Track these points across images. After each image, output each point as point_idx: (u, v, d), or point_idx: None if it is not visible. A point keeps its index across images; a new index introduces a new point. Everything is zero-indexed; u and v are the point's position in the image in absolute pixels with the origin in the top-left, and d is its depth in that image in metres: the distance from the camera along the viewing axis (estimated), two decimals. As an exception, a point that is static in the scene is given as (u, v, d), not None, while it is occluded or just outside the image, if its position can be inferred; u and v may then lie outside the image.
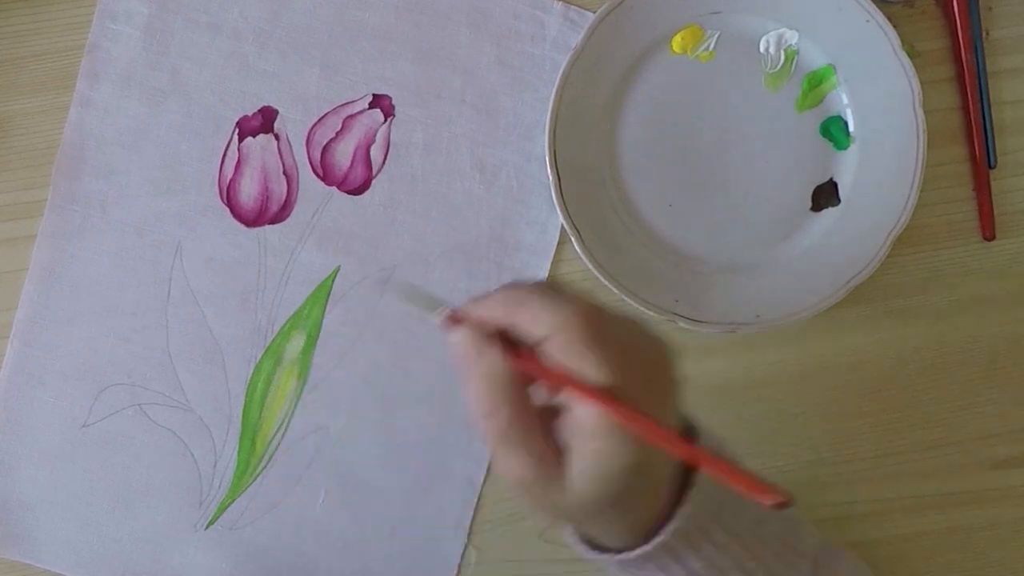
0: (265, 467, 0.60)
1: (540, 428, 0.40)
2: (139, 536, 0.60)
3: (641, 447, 0.39)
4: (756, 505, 0.41)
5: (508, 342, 0.41)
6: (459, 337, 0.42)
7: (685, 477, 0.44)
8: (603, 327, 0.40)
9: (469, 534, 0.60)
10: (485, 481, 0.60)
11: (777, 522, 0.47)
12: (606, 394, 0.39)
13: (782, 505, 0.38)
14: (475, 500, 0.60)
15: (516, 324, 0.40)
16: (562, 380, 0.39)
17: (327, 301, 0.60)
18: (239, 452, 0.60)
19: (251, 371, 0.60)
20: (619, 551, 0.44)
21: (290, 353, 0.60)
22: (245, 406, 0.60)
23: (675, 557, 0.43)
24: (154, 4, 0.60)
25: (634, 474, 0.40)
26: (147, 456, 0.60)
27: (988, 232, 0.61)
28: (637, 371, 0.40)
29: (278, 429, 0.60)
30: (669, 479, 0.43)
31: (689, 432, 0.46)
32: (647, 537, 0.43)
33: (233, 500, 0.60)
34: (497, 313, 0.41)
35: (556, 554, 0.61)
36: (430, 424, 0.60)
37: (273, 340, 0.60)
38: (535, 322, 0.40)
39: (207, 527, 0.60)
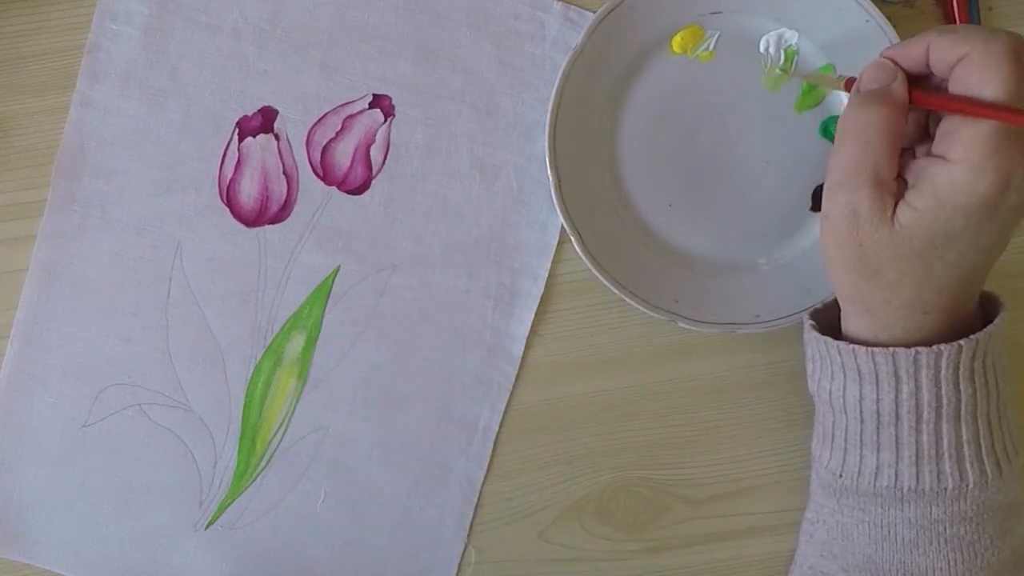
0: (265, 467, 0.60)
1: (893, 159, 0.44)
2: (139, 536, 0.60)
3: (998, 182, 0.43)
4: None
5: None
6: (873, 65, 0.47)
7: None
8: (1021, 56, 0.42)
9: (469, 534, 0.60)
10: (485, 481, 0.60)
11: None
12: (1002, 107, 0.41)
13: None
14: (475, 500, 0.60)
15: (936, 46, 0.44)
16: (959, 101, 0.43)
17: (327, 301, 0.60)
18: (239, 452, 0.60)
19: (251, 371, 0.60)
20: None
21: (290, 353, 0.60)
22: (245, 406, 0.60)
23: (952, 370, 0.47)
24: (154, 4, 0.60)
25: (960, 230, 0.43)
26: (147, 456, 0.60)
27: (988, 232, 0.61)
28: None
29: (278, 429, 0.60)
30: (949, 306, 0.46)
31: None
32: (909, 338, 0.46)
33: (233, 500, 0.60)
34: (915, 47, 0.45)
35: (556, 554, 0.61)
36: (430, 424, 0.60)
37: (273, 340, 0.60)
38: (958, 41, 0.43)
39: (207, 527, 0.60)
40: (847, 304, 0.50)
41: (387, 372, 0.60)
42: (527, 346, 0.60)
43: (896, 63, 0.47)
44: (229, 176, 0.60)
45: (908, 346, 0.47)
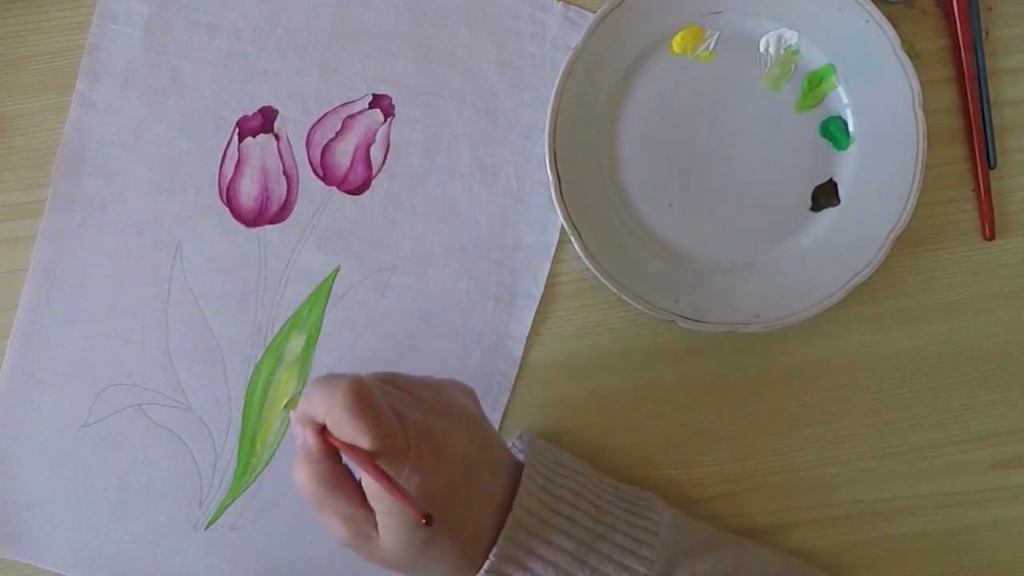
0: (265, 467, 0.60)
1: (351, 495, 0.46)
2: (139, 536, 0.60)
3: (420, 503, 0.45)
4: (593, 522, 0.50)
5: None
6: (292, 419, 0.49)
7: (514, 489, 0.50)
8: (367, 398, 0.45)
9: (469, 534, 0.60)
10: (485, 481, 0.60)
11: (619, 534, 0.51)
12: (367, 457, 0.44)
13: (425, 520, 0.43)
14: (475, 500, 0.60)
15: (309, 412, 0.46)
16: (344, 449, 0.45)
17: (327, 301, 0.60)
18: (239, 452, 0.60)
19: (251, 371, 0.60)
20: None
21: (290, 353, 0.60)
22: (245, 406, 0.60)
23: None
24: (154, 4, 0.60)
25: (427, 530, 0.45)
26: (147, 456, 0.60)
27: (988, 232, 0.61)
28: (414, 434, 0.45)
29: (278, 429, 0.60)
30: (488, 526, 0.48)
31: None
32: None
33: (233, 500, 0.60)
34: (303, 403, 0.47)
35: (556, 554, 0.61)
36: (430, 424, 0.60)
37: (273, 340, 0.60)
38: (315, 408, 0.46)
39: (207, 527, 0.60)
40: None
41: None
42: (527, 346, 0.60)
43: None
44: (229, 176, 0.60)
45: None
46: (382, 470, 0.44)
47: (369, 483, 0.45)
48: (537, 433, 0.60)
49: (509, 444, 0.56)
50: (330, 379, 0.47)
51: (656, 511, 0.53)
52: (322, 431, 0.46)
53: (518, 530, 0.49)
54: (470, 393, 0.51)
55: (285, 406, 0.54)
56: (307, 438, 0.47)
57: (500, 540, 0.48)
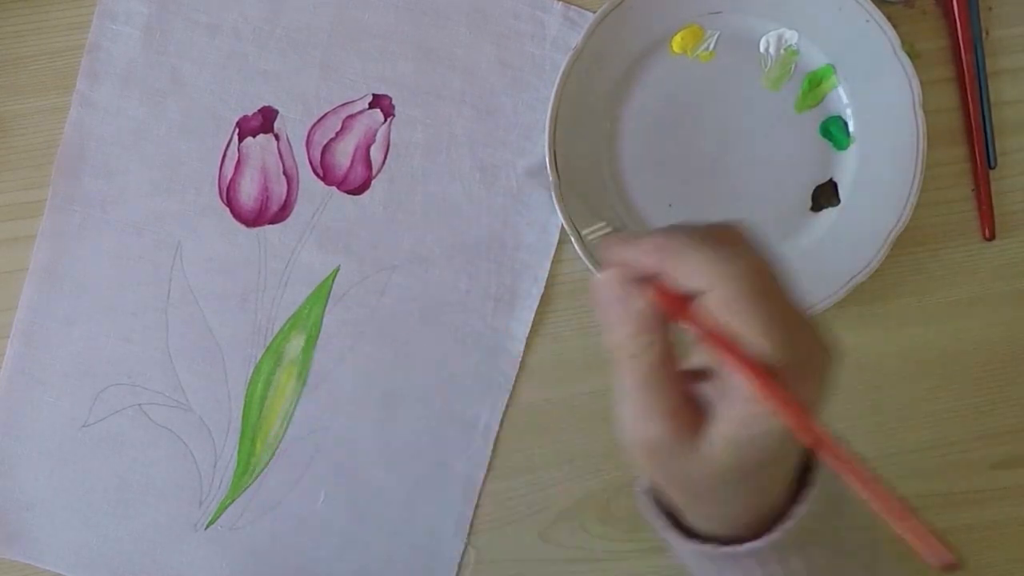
0: (265, 467, 0.60)
1: (680, 389, 0.38)
2: (139, 536, 0.60)
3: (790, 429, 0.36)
4: (861, 528, 0.41)
5: (662, 293, 0.38)
6: (607, 276, 0.39)
7: (799, 477, 0.41)
8: (772, 289, 0.36)
9: (469, 534, 0.60)
10: (485, 481, 0.60)
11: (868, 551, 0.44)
12: (762, 367, 0.35)
13: (950, 567, 0.33)
14: (475, 500, 0.60)
15: (670, 273, 0.37)
16: (717, 340, 0.36)
17: (327, 301, 0.60)
18: (239, 452, 0.60)
19: (251, 371, 0.60)
20: (712, 541, 0.41)
21: (290, 353, 0.60)
22: (245, 406, 0.60)
23: (778, 557, 0.40)
24: (154, 4, 0.60)
25: (774, 454, 0.37)
26: (147, 456, 0.60)
27: (988, 232, 0.61)
28: (800, 348, 0.36)
29: (278, 429, 0.60)
30: (778, 496, 0.40)
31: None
32: (751, 532, 0.40)
33: (233, 500, 0.60)
34: (650, 259, 0.38)
35: (556, 554, 0.61)
36: (430, 424, 0.60)
37: (273, 340, 0.60)
38: (694, 274, 0.37)
39: (207, 527, 0.60)
40: (681, 508, 0.44)
41: (387, 372, 0.60)
42: (527, 346, 0.60)
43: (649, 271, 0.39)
44: (229, 176, 0.60)
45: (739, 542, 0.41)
46: (774, 381, 0.35)
47: (738, 381, 0.36)
48: (537, 432, 0.60)
49: None
50: (720, 249, 0.37)
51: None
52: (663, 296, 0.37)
53: (810, 516, 0.40)
54: None
55: (588, 235, 0.42)
56: (646, 305, 0.37)
57: (811, 499, 0.40)
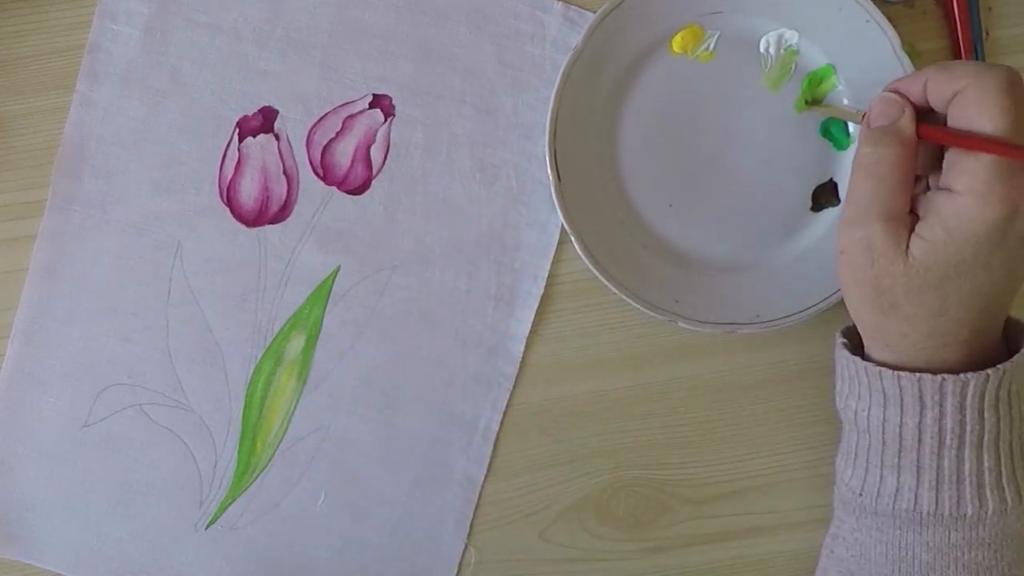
0: (265, 467, 0.60)
1: (902, 196, 0.46)
2: (139, 536, 0.60)
3: (1005, 211, 0.44)
4: None
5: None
6: (885, 95, 0.48)
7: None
8: (1020, 88, 0.44)
9: (469, 534, 0.60)
10: (485, 481, 0.60)
11: None
12: (1002, 142, 0.43)
13: None
14: (475, 500, 0.60)
15: (934, 83, 0.45)
16: (960, 136, 0.44)
17: (327, 301, 0.60)
18: (239, 452, 0.60)
19: (251, 371, 0.60)
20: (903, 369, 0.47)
21: (290, 353, 0.60)
22: (245, 406, 0.60)
23: (974, 399, 0.47)
24: (154, 4, 0.60)
25: (980, 248, 0.44)
26: (147, 456, 0.60)
27: (988, 232, 0.61)
28: None
29: (278, 429, 0.60)
30: (967, 336, 0.47)
31: None
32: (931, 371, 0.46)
33: (233, 500, 0.60)
34: (916, 81, 0.47)
35: (556, 554, 0.61)
36: (430, 424, 0.60)
37: (273, 340, 0.60)
38: (954, 77, 0.45)
39: (207, 527, 0.60)
40: (868, 338, 0.50)
41: (387, 372, 0.60)
42: (527, 346, 0.60)
43: (903, 96, 0.48)
44: (229, 176, 0.60)
45: (934, 373, 0.47)
46: (1014, 145, 0.43)
47: (971, 163, 0.44)
48: (537, 432, 0.60)
49: None
50: (965, 62, 0.47)
51: None
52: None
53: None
54: None
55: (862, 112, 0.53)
56: (906, 121, 0.46)
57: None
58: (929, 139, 0.47)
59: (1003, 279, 0.46)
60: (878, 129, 0.47)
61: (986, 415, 0.47)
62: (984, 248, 0.45)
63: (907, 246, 0.46)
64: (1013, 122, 0.43)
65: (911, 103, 0.48)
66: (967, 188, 0.44)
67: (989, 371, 0.46)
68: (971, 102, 0.44)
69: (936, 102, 0.47)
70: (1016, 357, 0.47)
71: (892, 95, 0.48)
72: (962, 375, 0.46)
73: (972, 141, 0.44)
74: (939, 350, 0.47)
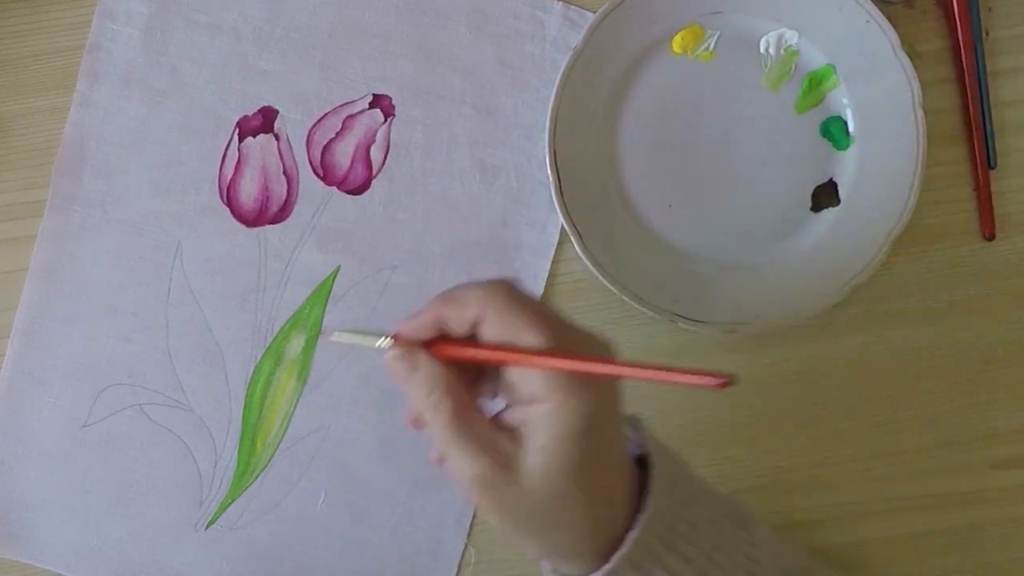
0: (265, 467, 0.60)
1: (488, 425, 0.42)
2: (139, 536, 0.60)
3: (590, 398, 0.41)
4: (713, 529, 0.44)
5: (446, 344, 0.43)
6: (390, 356, 0.43)
7: (639, 504, 0.44)
8: (525, 297, 0.42)
9: (469, 534, 0.60)
10: (485, 481, 0.60)
11: (737, 548, 0.47)
12: (542, 352, 0.40)
13: (724, 385, 0.38)
14: (475, 500, 0.60)
15: (447, 320, 0.42)
16: (501, 354, 0.41)
17: (327, 301, 0.60)
18: (239, 452, 0.60)
19: (251, 371, 0.60)
20: None
21: (290, 353, 0.60)
22: (245, 406, 0.60)
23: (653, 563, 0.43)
24: (154, 4, 0.60)
25: (589, 436, 0.41)
26: (147, 456, 0.60)
27: (988, 232, 0.61)
28: (571, 333, 0.42)
29: (278, 429, 0.60)
30: (623, 502, 0.43)
31: (632, 422, 0.48)
32: (605, 558, 0.43)
33: (233, 500, 0.60)
34: (427, 319, 0.43)
35: (556, 554, 0.61)
36: (430, 424, 0.60)
37: (273, 340, 0.60)
38: (464, 310, 0.42)
39: (207, 527, 0.60)
40: (559, 562, 0.45)
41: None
42: (527, 346, 0.60)
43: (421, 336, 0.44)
44: (229, 176, 0.60)
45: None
46: (554, 351, 0.40)
47: (528, 386, 0.41)
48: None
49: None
50: (475, 282, 0.42)
51: (754, 523, 0.50)
52: (439, 351, 0.43)
53: (650, 532, 0.43)
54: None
55: (379, 345, 0.46)
56: (427, 364, 0.42)
57: (640, 532, 0.43)
58: (474, 361, 0.43)
59: (614, 465, 0.43)
60: (413, 386, 0.43)
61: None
62: (583, 446, 0.41)
63: (516, 465, 0.41)
64: (542, 331, 0.41)
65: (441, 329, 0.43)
66: (538, 396, 0.41)
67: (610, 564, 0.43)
68: (494, 331, 0.41)
69: (462, 332, 0.43)
70: (623, 552, 0.43)
71: (393, 355, 0.43)
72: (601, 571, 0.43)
73: (513, 354, 0.41)
74: (590, 542, 0.43)
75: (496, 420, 0.43)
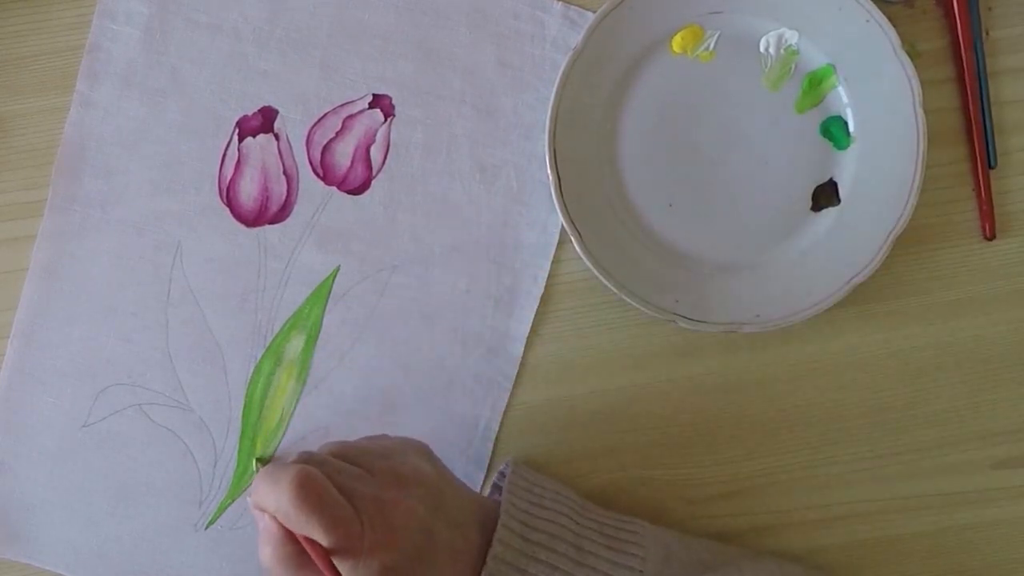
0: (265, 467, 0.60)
1: (317, 572, 0.46)
2: (139, 536, 0.60)
3: None
4: (574, 565, 0.49)
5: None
6: (251, 508, 0.48)
7: None
8: (315, 491, 0.45)
9: (469, 534, 0.60)
10: (485, 481, 0.60)
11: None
12: (323, 554, 0.45)
13: None
14: (475, 500, 0.60)
15: (261, 505, 0.47)
16: (301, 541, 0.45)
17: (327, 301, 0.60)
18: (239, 452, 0.60)
19: (251, 371, 0.60)
20: None
21: (290, 353, 0.60)
22: (245, 406, 0.60)
23: None
24: (154, 4, 0.60)
25: None
26: (147, 456, 0.60)
27: (988, 232, 0.61)
28: (367, 512, 0.46)
29: (278, 429, 0.60)
30: (462, 550, 0.49)
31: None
32: None
33: (233, 500, 0.60)
34: (252, 496, 0.48)
35: (556, 554, 0.61)
36: (430, 424, 0.60)
37: (273, 340, 0.60)
38: (267, 502, 0.46)
39: (207, 527, 0.60)
40: None
41: (387, 372, 0.60)
42: (527, 346, 0.60)
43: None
44: (229, 176, 0.60)
45: None
46: (335, 569, 0.45)
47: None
48: (536, 432, 0.60)
49: (496, 475, 0.57)
50: (276, 472, 0.46)
51: (642, 544, 0.53)
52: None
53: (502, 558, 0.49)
54: (422, 451, 0.52)
55: (257, 461, 0.56)
56: (267, 523, 0.47)
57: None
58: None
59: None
60: (259, 536, 0.47)
61: None
62: None
63: None
64: (326, 531, 0.44)
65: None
66: None
67: None
68: (287, 523, 0.46)
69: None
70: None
71: (255, 509, 0.48)
72: None
73: (312, 549, 0.45)
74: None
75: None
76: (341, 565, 0.45)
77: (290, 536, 0.46)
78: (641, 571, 0.51)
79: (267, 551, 0.46)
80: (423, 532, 0.47)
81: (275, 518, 0.46)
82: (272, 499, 0.46)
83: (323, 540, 0.45)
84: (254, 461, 0.52)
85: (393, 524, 0.46)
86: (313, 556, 0.45)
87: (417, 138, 0.61)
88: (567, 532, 0.52)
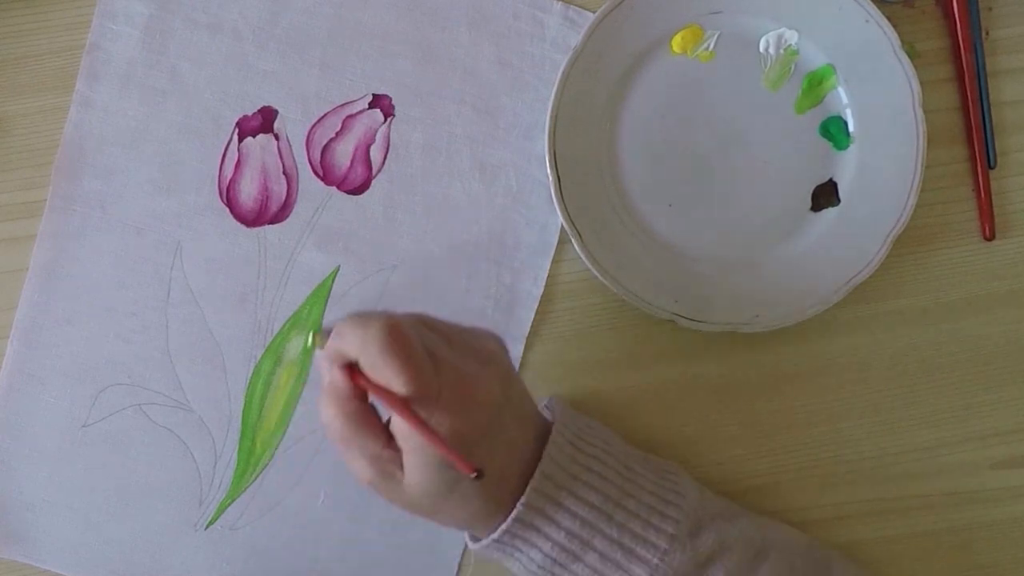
0: (265, 467, 0.60)
1: (378, 434, 0.46)
2: (139, 536, 0.60)
3: (435, 452, 0.45)
4: (622, 479, 0.50)
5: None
6: (318, 356, 0.48)
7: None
8: (402, 339, 0.44)
9: (469, 534, 0.60)
10: (485, 481, 0.60)
11: (647, 493, 0.51)
12: (402, 402, 0.44)
13: (478, 476, 0.43)
14: (475, 500, 0.60)
15: (341, 350, 0.46)
16: (376, 392, 0.45)
17: (327, 301, 0.60)
18: (239, 452, 0.60)
19: (251, 371, 0.60)
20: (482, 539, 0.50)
21: (290, 353, 0.60)
22: (245, 406, 0.60)
23: (526, 538, 0.49)
24: (154, 4, 0.60)
25: (444, 480, 0.46)
26: (147, 456, 0.60)
27: (988, 232, 0.61)
28: (431, 384, 0.45)
29: (278, 429, 0.60)
30: (521, 446, 0.49)
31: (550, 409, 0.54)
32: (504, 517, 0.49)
33: (233, 500, 0.60)
34: (334, 342, 0.46)
35: (556, 554, 0.61)
36: (430, 424, 0.60)
37: (273, 340, 0.60)
38: (348, 346, 0.45)
39: (207, 527, 0.60)
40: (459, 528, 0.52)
41: (387, 372, 0.60)
42: (527, 346, 0.60)
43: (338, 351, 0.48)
44: (229, 176, 0.60)
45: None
46: (417, 416, 0.44)
47: (400, 423, 0.45)
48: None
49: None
50: (364, 317, 0.45)
51: (682, 477, 0.54)
52: (349, 369, 0.46)
53: (546, 481, 0.49)
54: (498, 339, 0.51)
55: (310, 342, 0.51)
56: (335, 376, 0.46)
57: (528, 489, 0.48)
58: (368, 390, 0.46)
59: (489, 485, 0.48)
60: (323, 393, 0.47)
61: (559, 538, 0.49)
62: (451, 489, 0.47)
63: (401, 476, 0.47)
64: (408, 381, 0.44)
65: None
66: (412, 449, 0.45)
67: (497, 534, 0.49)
68: (369, 370, 0.45)
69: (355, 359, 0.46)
70: (506, 525, 0.49)
71: (323, 354, 0.47)
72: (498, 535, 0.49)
73: (382, 396, 0.45)
74: (486, 520, 0.49)
75: (388, 426, 0.47)
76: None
77: (356, 392, 0.46)
78: (683, 495, 0.52)
79: (330, 409, 0.46)
80: (494, 412, 0.47)
81: (344, 372, 0.45)
82: (358, 341, 0.44)
83: (402, 388, 0.44)
84: (311, 334, 0.50)
85: (467, 394, 0.46)
86: (388, 404, 0.44)
87: (417, 138, 0.61)
88: (615, 451, 0.52)
